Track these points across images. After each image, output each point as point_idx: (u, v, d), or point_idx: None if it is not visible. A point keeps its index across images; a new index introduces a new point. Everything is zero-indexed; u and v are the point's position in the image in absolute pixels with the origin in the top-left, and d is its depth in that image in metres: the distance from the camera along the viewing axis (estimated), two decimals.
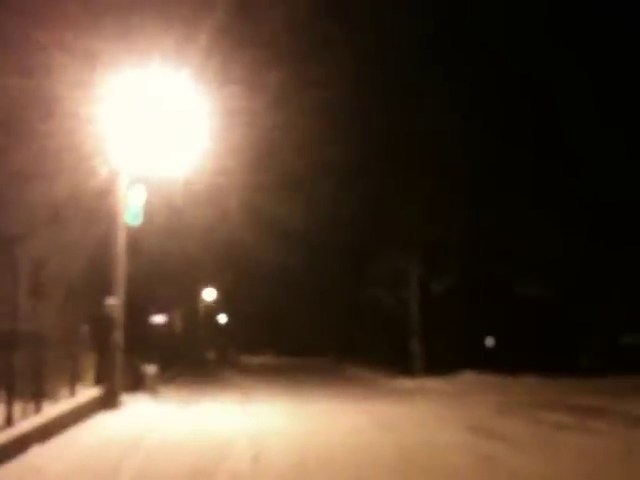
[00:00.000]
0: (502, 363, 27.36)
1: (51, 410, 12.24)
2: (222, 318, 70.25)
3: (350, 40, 23.25)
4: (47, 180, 16.92)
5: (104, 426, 13.56)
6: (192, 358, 45.57)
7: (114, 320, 16.86)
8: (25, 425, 10.69)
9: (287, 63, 21.03)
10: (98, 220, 17.70)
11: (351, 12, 24.20)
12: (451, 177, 30.86)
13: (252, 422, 14.25)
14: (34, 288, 18.47)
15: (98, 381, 16.58)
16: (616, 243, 29.82)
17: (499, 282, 31.87)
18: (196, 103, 17.52)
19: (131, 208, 17.45)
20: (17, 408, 10.74)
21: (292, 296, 51.91)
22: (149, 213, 18.59)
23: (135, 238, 18.50)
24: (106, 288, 16.97)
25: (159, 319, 37.90)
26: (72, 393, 14.49)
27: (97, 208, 17.65)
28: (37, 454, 10.11)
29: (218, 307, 65.30)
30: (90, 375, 16.65)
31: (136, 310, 21.04)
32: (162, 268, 28.44)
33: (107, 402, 16.08)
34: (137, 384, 20.02)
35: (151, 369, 20.91)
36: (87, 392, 15.38)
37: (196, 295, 55.57)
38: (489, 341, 35.02)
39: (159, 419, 14.76)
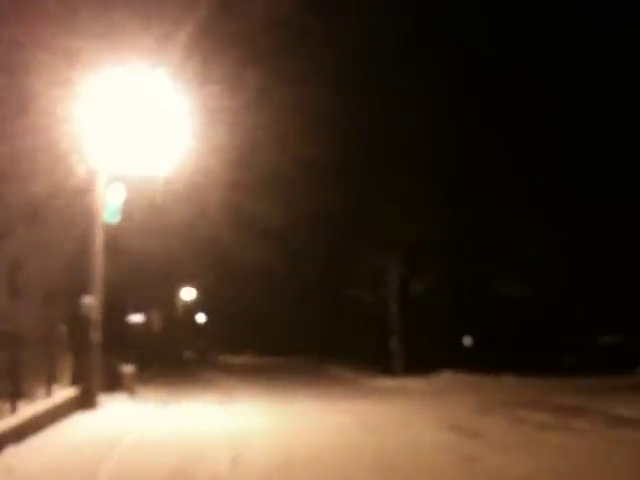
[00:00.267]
0: (483, 362, 27.45)
1: (27, 410, 12.11)
2: (201, 318, 70.01)
3: (329, 36, 23.24)
4: (25, 179, 16.74)
5: (80, 426, 13.42)
6: (171, 358, 45.40)
7: (91, 319, 16.73)
8: (0, 425, 10.56)
9: (266, 60, 20.98)
10: (77, 219, 17.54)
11: (330, 7, 24.18)
12: (432, 175, 30.83)
13: (233, 422, 14.16)
14: (12, 288, 18.27)
15: (75, 381, 16.43)
16: (597, 243, 29.97)
17: (481, 281, 31.93)
18: (176, 102, 17.43)
19: (110, 206, 17.33)
20: None
21: (273, 295, 51.73)
22: (129, 211, 18.47)
23: (114, 237, 18.37)
24: (85, 288, 16.84)
25: (137, 318, 37.70)
26: (49, 393, 14.35)
27: (76, 207, 17.49)
28: (12, 454, 9.98)
29: (198, 306, 65.08)
30: (67, 375, 16.50)
31: (114, 309, 20.91)
32: (141, 267, 28.28)
33: (84, 402, 15.95)
34: (115, 384, 19.88)
35: (129, 369, 20.79)
36: (64, 392, 15.25)
37: (175, 295, 55.39)
38: (467, 340, 35.15)
39: (137, 419, 14.63)
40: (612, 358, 27.58)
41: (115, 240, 18.66)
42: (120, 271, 21.15)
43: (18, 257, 18.41)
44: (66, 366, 16.52)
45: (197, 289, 58.35)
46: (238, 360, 54.91)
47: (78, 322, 16.68)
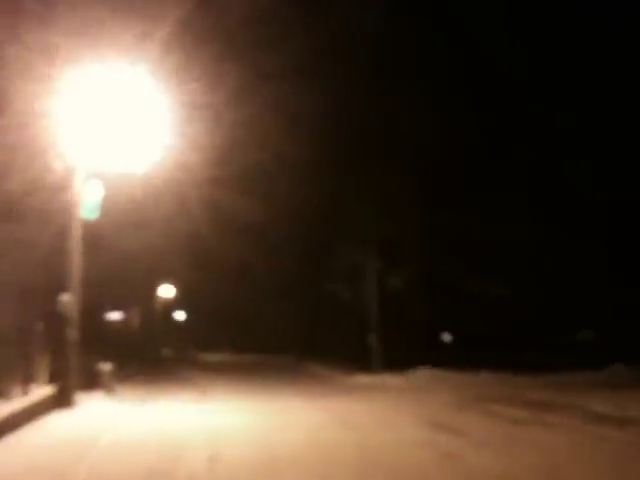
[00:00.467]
0: (460, 359, 27.60)
1: (3, 409, 11.99)
2: (180, 315, 69.74)
3: (309, 33, 23.23)
4: (1, 176, 16.60)
5: (57, 425, 13.31)
6: (149, 356, 45.16)
7: (68, 317, 16.60)
8: None
9: (246, 56, 20.93)
10: (54, 216, 17.39)
11: (310, 3, 24.19)
12: (409, 174, 30.96)
13: (211, 420, 14.11)
14: None
15: (52, 379, 16.27)
16: (573, 240, 30.23)
17: (456, 280, 32.12)
18: (155, 98, 17.33)
19: (88, 203, 17.20)
20: None
21: (252, 292, 51.62)
22: (107, 208, 18.33)
23: (92, 234, 18.22)
24: (62, 285, 16.71)
25: (116, 316, 37.49)
26: (25, 392, 14.22)
27: (53, 204, 17.34)
28: None
29: (177, 304, 64.79)
30: (44, 373, 16.36)
31: (92, 307, 20.74)
32: (120, 264, 28.08)
33: (61, 401, 15.80)
34: (92, 382, 19.71)
35: (107, 367, 20.61)
36: (41, 391, 15.11)
37: (154, 292, 55.08)
38: (446, 337, 35.31)
39: (115, 418, 14.54)
40: (587, 354, 27.81)
41: (93, 237, 18.50)
42: (98, 268, 20.98)
43: None
44: (43, 364, 16.36)
45: (176, 286, 58.04)
46: (217, 358, 54.78)
47: (55, 320, 16.52)
